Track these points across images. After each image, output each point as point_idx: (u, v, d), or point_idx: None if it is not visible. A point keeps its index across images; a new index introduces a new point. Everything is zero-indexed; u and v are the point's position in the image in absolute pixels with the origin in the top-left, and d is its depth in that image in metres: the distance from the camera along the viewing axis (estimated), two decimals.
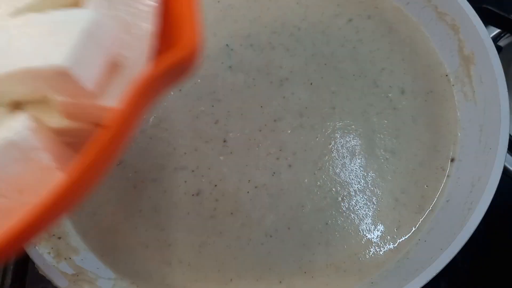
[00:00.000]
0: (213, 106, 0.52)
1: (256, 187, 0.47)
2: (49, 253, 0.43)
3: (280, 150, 0.48)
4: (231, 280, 0.44)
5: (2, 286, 0.52)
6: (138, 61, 0.23)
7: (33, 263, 0.43)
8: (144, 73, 0.21)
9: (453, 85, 0.52)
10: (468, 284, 0.53)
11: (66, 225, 0.48)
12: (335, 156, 0.48)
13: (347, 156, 0.48)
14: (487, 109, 0.47)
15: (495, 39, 0.65)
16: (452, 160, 0.48)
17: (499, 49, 0.58)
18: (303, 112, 0.50)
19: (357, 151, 0.48)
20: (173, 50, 0.22)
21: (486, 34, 0.48)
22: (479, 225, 0.41)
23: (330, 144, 0.49)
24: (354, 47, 0.54)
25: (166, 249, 0.46)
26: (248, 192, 0.47)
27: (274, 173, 0.48)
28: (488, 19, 0.57)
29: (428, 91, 0.51)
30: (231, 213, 0.46)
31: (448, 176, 0.47)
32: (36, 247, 0.43)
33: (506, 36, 0.65)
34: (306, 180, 0.47)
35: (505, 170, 0.55)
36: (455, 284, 0.53)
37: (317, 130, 0.49)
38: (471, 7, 0.50)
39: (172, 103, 0.53)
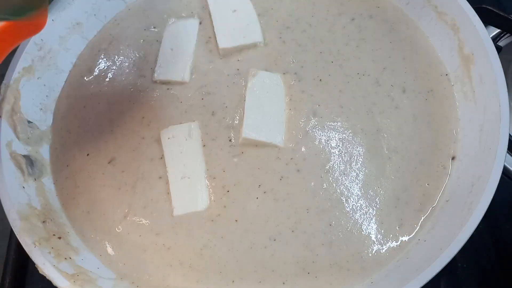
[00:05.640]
0: (202, 99, 0.52)
1: (265, 192, 0.47)
2: (49, 253, 0.43)
3: (291, 159, 0.48)
4: (232, 281, 0.44)
5: (2, 286, 0.52)
6: None
7: (33, 263, 0.42)
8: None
9: (453, 85, 0.52)
10: (468, 284, 0.53)
11: (66, 225, 0.48)
12: (342, 158, 0.48)
13: (353, 157, 0.48)
14: (487, 109, 0.47)
15: (495, 39, 0.65)
16: (453, 158, 0.48)
17: (499, 49, 0.58)
18: (317, 110, 0.51)
19: (363, 151, 0.48)
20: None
21: (486, 34, 0.49)
22: (479, 225, 0.40)
23: (339, 146, 0.49)
24: (358, 45, 0.54)
25: (165, 252, 0.46)
26: (257, 198, 0.47)
27: (282, 177, 0.48)
28: (488, 19, 0.57)
29: (428, 90, 0.52)
30: (236, 220, 0.46)
31: (449, 174, 0.47)
32: (36, 247, 0.43)
33: (506, 36, 0.65)
34: (312, 184, 0.47)
35: (505, 170, 0.55)
36: (455, 284, 0.53)
37: (329, 132, 0.49)
38: (471, 7, 0.50)
39: (163, 99, 0.53)
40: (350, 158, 0.48)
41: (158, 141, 0.50)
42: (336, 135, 0.49)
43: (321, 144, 0.49)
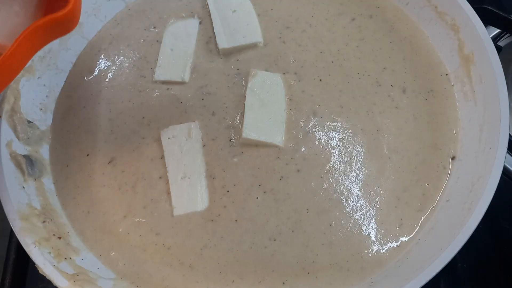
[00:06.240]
0: (202, 99, 0.52)
1: (265, 192, 0.47)
2: (49, 253, 0.43)
3: (291, 159, 0.48)
4: (232, 281, 0.44)
5: (2, 286, 0.52)
6: (29, 15, 0.36)
7: (33, 263, 0.42)
8: (31, 24, 0.34)
9: (453, 85, 0.52)
10: (468, 284, 0.53)
11: (66, 225, 0.48)
12: (342, 158, 0.48)
13: (353, 157, 0.48)
14: (487, 109, 0.47)
15: (495, 39, 0.65)
16: (453, 158, 0.48)
17: (499, 49, 0.58)
18: (317, 110, 0.51)
19: (363, 151, 0.48)
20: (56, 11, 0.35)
21: (486, 34, 0.49)
22: (479, 225, 0.41)
23: (339, 146, 0.49)
24: (358, 45, 0.54)
25: (165, 252, 0.46)
26: (257, 198, 0.47)
27: (282, 177, 0.48)
28: (488, 19, 0.58)
29: (428, 90, 0.52)
30: (236, 220, 0.46)
31: (449, 174, 0.47)
32: (36, 247, 0.43)
33: (506, 36, 0.65)
34: (312, 184, 0.47)
35: (505, 170, 0.55)
36: (455, 284, 0.53)
37: (329, 132, 0.49)
38: (471, 7, 0.51)
39: (163, 100, 0.53)
40: (350, 158, 0.48)
41: (158, 141, 0.50)
42: (336, 135, 0.49)
43: (321, 144, 0.49)
